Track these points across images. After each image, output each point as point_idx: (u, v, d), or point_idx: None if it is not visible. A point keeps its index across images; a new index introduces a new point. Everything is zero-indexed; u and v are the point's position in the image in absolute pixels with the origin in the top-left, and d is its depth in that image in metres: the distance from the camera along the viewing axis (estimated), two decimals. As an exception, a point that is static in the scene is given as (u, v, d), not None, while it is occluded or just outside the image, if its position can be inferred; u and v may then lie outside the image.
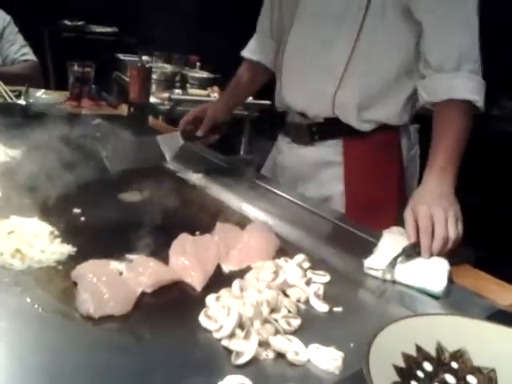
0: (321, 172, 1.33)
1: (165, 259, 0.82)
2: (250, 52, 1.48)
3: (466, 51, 1.09)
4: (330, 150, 1.30)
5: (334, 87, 1.24)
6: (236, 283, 0.74)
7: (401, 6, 1.14)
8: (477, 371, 0.59)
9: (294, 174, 1.37)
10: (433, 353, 0.59)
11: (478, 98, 1.07)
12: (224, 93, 1.60)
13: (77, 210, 0.99)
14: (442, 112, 1.10)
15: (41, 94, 1.80)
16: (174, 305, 0.73)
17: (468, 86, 1.08)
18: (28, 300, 0.69)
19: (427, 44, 1.13)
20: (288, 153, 1.40)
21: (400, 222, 1.02)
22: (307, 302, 0.77)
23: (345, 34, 1.20)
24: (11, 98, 1.71)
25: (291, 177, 1.38)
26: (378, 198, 1.26)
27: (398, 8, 1.14)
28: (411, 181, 1.33)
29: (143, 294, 0.73)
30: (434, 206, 0.93)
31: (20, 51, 2.28)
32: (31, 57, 2.32)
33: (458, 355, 0.60)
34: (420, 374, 0.57)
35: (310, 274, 0.84)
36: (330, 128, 1.30)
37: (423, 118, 1.27)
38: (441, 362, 0.59)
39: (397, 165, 1.29)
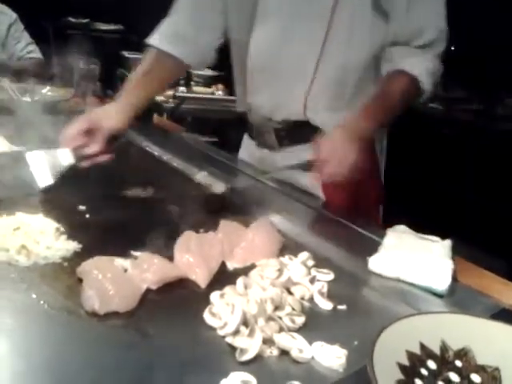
0: (295, 179, 1.26)
1: (169, 256, 0.82)
2: (162, 41, 1.25)
3: (436, 31, 1.13)
4: (301, 157, 1.19)
5: (305, 87, 1.19)
6: (240, 280, 0.74)
7: None
8: (481, 370, 0.59)
9: None
10: (437, 351, 0.59)
11: (428, 82, 1.12)
12: (123, 96, 1.21)
13: (82, 207, 0.99)
14: (391, 76, 1.14)
15: (46, 91, 1.80)
16: (179, 302, 0.74)
17: (428, 68, 1.12)
18: (34, 296, 0.69)
19: (395, 26, 1.13)
20: (257, 156, 1.35)
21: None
22: (311, 299, 0.77)
23: (311, 33, 1.15)
24: (16, 95, 1.72)
25: None
26: (358, 199, 1.22)
27: (366, 2, 1.12)
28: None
29: (148, 290, 0.74)
30: (340, 143, 1.02)
31: (26, 48, 2.30)
32: (37, 54, 2.34)
33: (462, 353, 0.60)
34: (424, 371, 0.57)
35: (314, 272, 0.84)
36: (299, 132, 1.23)
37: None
38: (445, 361, 0.59)
39: (372, 165, 1.27)
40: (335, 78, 1.19)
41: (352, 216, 1.09)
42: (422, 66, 1.12)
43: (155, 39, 1.25)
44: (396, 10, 1.12)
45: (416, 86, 1.12)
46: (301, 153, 1.22)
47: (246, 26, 1.21)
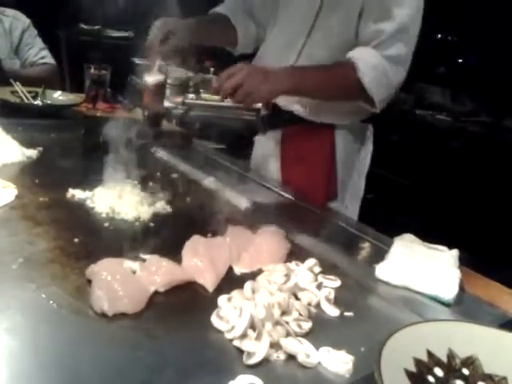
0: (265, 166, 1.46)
1: (178, 260, 0.83)
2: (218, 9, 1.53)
3: (387, 36, 1.17)
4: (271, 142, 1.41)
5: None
6: (248, 285, 0.75)
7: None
8: (488, 378, 0.59)
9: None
10: (444, 359, 0.59)
11: (369, 76, 1.16)
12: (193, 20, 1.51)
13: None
14: (338, 62, 1.21)
15: (57, 96, 1.82)
16: (187, 304, 0.74)
17: (373, 63, 1.17)
18: (43, 296, 0.70)
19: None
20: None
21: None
22: (318, 305, 0.77)
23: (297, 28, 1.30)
24: (28, 99, 1.74)
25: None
26: (308, 186, 1.33)
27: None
28: (348, 175, 1.40)
29: (156, 293, 0.74)
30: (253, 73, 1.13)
31: (39, 54, 2.32)
32: (50, 60, 2.36)
33: (469, 362, 0.60)
34: (431, 379, 0.57)
35: (321, 278, 0.84)
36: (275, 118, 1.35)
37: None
38: (452, 368, 0.59)
39: (327, 160, 1.36)
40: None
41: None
42: (366, 58, 1.17)
43: (222, 8, 1.50)
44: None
45: (356, 78, 1.16)
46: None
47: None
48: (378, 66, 1.16)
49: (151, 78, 1.34)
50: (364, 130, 1.41)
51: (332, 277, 0.85)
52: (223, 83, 1.15)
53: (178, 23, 1.34)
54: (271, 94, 1.17)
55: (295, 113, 1.35)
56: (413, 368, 0.56)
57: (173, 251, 0.85)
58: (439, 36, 4.03)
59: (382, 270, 0.87)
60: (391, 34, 1.16)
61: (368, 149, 1.43)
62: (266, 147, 1.46)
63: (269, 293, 0.74)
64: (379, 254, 0.93)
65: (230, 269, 0.85)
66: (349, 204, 1.37)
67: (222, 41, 1.54)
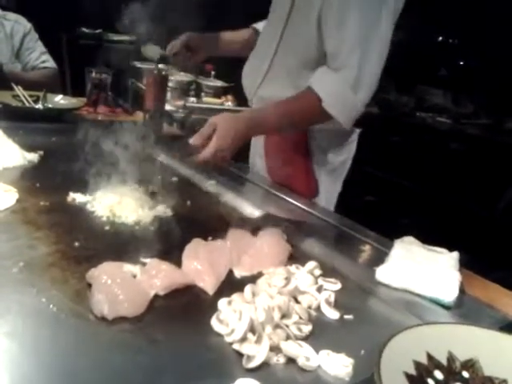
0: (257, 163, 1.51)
1: (177, 263, 0.83)
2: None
3: (347, 56, 1.14)
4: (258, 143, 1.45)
5: (257, 83, 1.38)
6: (248, 288, 0.75)
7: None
8: (488, 381, 0.59)
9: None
10: (444, 361, 0.59)
11: (332, 105, 1.15)
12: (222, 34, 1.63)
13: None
14: (301, 92, 1.20)
15: (58, 100, 1.82)
16: (187, 308, 0.74)
17: (336, 90, 1.15)
18: (43, 300, 0.70)
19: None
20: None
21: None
22: (318, 308, 0.77)
23: (272, 35, 1.33)
24: (29, 103, 1.74)
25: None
26: (289, 184, 1.35)
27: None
28: (324, 176, 1.40)
29: (156, 296, 0.74)
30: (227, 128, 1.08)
31: (40, 58, 2.33)
32: (51, 64, 2.37)
33: (470, 364, 0.60)
34: (431, 382, 0.57)
35: (321, 281, 0.84)
36: None
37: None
38: (452, 371, 0.59)
39: (303, 160, 1.37)
40: (280, 79, 1.31)
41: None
42: (327, 87, 1.16)
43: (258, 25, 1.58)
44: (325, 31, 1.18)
45: (321, 107, 1.16)
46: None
47: None
48: (340, 91, 1.15)
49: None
50: (348, 133, 1.38)
51: (332, 280, 0.85)
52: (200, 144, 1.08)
53: (197, 37, 1.50)
54: (238, 146, 1.12)
55: None
56: (413, 371, 0.56)
57: (173, 255, 0.85)
58: (440, 38, 4.04)
59: (382, 273, 0.87)
60: (347, 54, 1.13)
61: (349, 153, 1.41)
62: (256, 147, 1.51)
63: (269, 296, 0.74)
64: (379, 257, 0.93)
65: (231, 272, 0.85)
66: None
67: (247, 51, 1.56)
